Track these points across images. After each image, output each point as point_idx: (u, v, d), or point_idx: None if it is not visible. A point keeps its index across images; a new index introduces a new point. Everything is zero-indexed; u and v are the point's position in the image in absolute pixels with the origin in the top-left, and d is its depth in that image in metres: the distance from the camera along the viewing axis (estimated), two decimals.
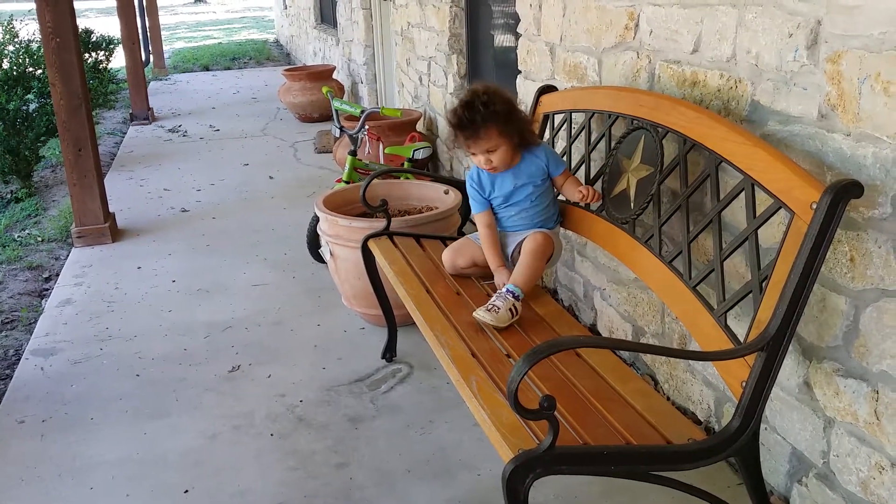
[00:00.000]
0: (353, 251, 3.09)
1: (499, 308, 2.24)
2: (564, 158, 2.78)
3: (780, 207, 1.76)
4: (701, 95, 2.26)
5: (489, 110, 2.38)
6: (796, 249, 1.65)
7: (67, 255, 4.51)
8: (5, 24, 6.68)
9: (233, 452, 2.61)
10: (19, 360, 3.32)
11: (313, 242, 4.02)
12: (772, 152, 1.81)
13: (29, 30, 6.70)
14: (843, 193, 1.60)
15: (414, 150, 4.69)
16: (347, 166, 4.15)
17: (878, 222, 1.70)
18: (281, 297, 3.80)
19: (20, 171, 6.00)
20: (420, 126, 5.49)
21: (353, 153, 4.17)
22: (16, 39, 6.49)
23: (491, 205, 2.59)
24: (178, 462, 2.57)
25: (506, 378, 1.82)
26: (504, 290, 2.31)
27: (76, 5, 4.47)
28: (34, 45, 6.38)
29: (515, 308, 2.27)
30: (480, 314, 2.24)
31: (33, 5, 4.29)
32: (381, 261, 2.82)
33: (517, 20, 3.55)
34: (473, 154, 2.47)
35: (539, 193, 2.55)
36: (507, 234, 2.61)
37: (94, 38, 8.90)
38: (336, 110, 4.44)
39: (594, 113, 2.64)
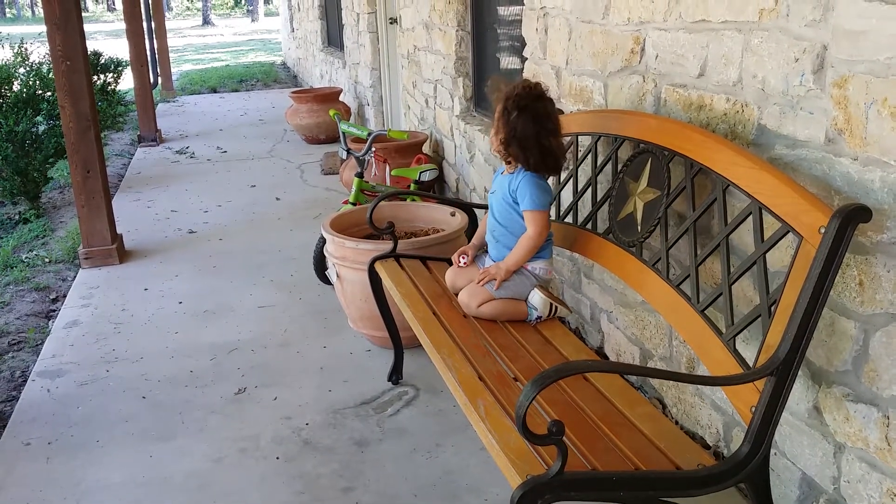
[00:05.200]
0: (360, 273, 3.09)
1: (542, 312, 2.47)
2: (571, 182, 2.79)
3: (787, 231, 1.76)
4: (707, 119, 2.27)
5: (505, 94, 2.39)
6: (805, 273, 1.64)
7: (75, 277, 4.53)
8: (16, 46, 6.77)
9: (238, 475, 2.60)
10: (26, 381, 3.32)
11: (320, 264, 4.03)
12: (779, 176, 1.81)
13: (40, 52, 6.78)
14: (852, 218, 1.60)
15: (420, 173, 4.71)
16: (354, 188, 4.16)
17: (887, 246, 1.70)
18: (287, 318, 3.80)
19: (28, 192, 6.04)
20: (426, 148, 5.52)
21: (360, 175, 4.18)
22: (26, 62, 6.57)
23: None
24: (184, 485, 2.56)
25: (513, 402, 1.81)
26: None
27: (85, 28, 4.52)
28: (44, 68, 6.45)
29: (534, 305, 2.48)
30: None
31: (44, 28, 4.34)
32: (387, 283, 2.82)
33: (523, 44, 3.57)
34: None
35: (507, 216, 2.52)
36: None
37: (102, 61, 9.00)
38: (343, 132, 4.47)
39: (600, 136, 2.65)
